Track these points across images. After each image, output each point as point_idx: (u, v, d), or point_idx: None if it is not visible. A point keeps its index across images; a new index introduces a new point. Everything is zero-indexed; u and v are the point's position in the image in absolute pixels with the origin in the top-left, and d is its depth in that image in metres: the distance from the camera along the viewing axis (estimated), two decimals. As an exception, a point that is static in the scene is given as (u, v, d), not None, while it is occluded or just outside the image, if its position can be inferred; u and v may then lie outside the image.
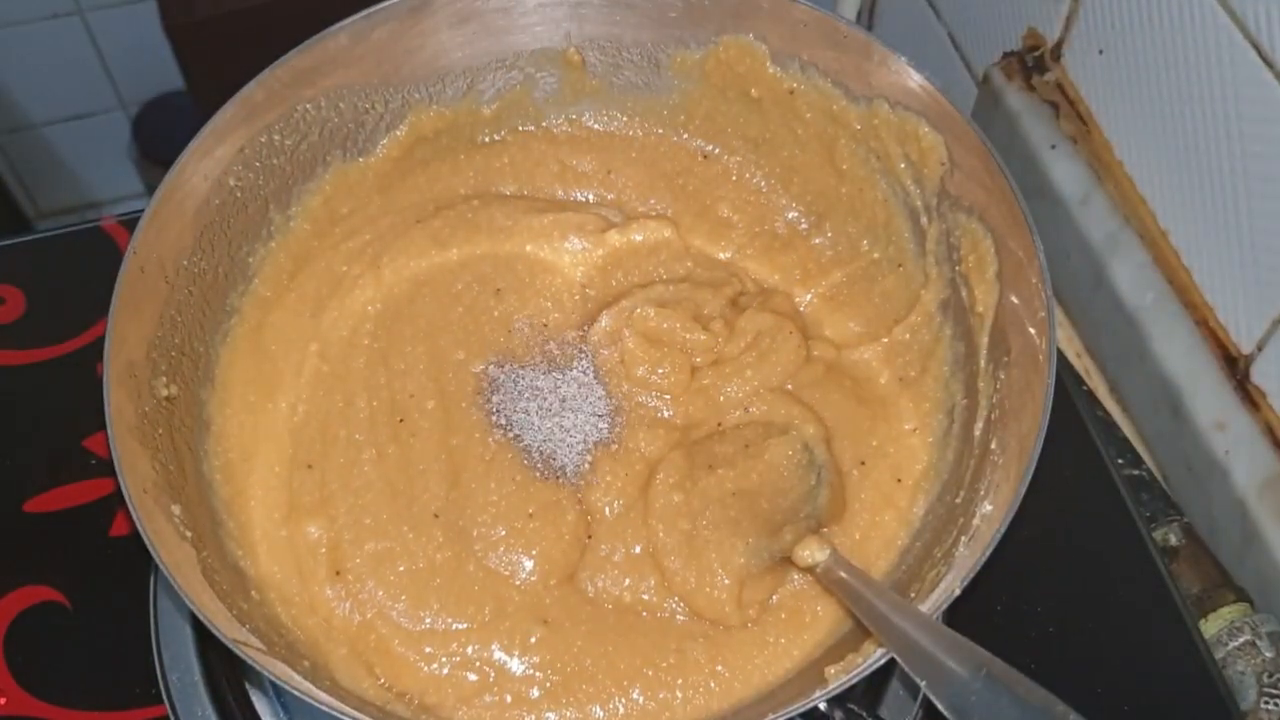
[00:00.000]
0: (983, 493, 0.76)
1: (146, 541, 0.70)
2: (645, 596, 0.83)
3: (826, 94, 0.90)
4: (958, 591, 0.69)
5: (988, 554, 0.69)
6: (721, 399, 0.90)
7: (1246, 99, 0.95)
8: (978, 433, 0.81)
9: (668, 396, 0.90)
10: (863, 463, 0.88)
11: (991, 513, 0.73)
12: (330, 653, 0.80)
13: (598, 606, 0.83)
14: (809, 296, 0.96)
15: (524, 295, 0.95)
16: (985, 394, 0.81)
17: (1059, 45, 1.18)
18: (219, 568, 0.76)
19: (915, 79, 0.84)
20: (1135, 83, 1.07)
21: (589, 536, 0.85)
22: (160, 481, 0.76)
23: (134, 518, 0.70)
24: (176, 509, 0.76)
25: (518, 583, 0.83)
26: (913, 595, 0.75)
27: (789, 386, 0.90)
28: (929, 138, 0.85)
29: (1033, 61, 1.21)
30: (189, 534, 0.75)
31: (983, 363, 0.82)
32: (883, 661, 0.70)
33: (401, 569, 0.83)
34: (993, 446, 0.78)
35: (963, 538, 0.74)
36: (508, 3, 0.92)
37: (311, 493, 0.86)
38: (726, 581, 0.80)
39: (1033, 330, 0.77)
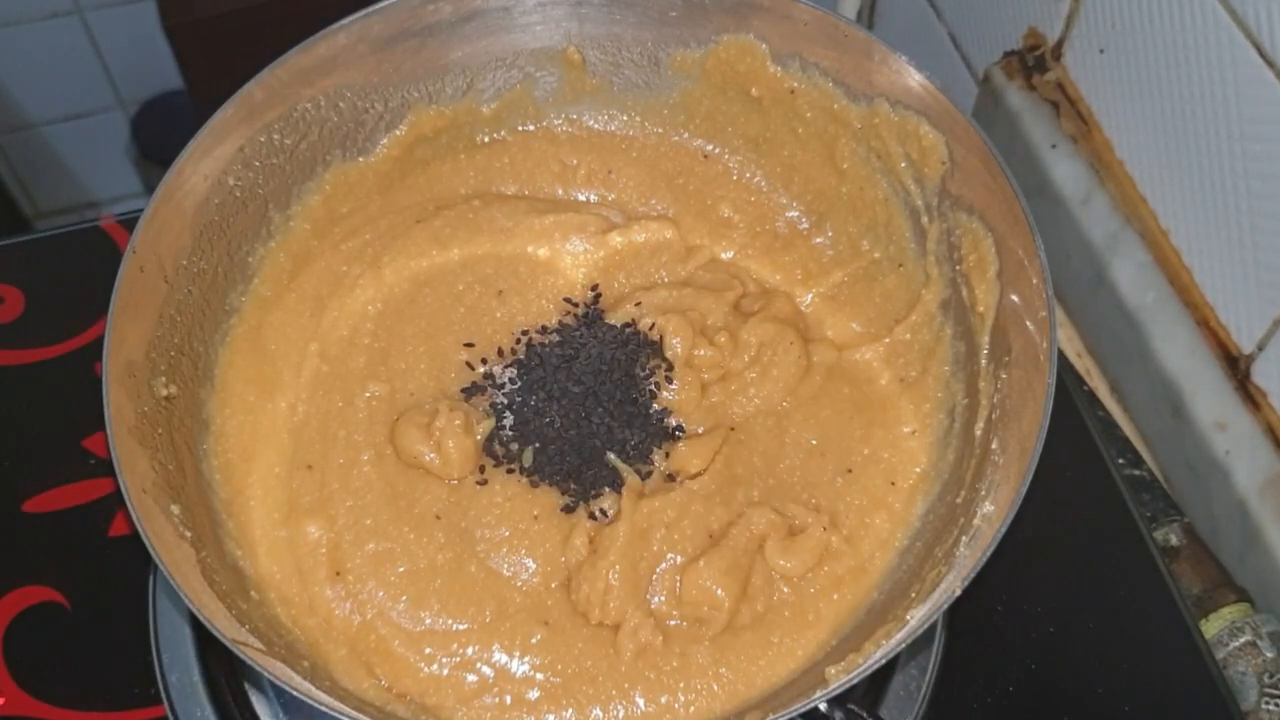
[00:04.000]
0: (983, 493, 0.76)
1: (146, 542, 0.70)
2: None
3: (827, 93, 0.90)
4: (958, 591, 0.69)
5: (989, 554, 0.69)
6: (727, 416, 0.90)
7: (1247, 98, 0.95)
8: (978, 433, 0.81)
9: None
10: (849, 470, 0.88)
11: (992, 512, 0.73)
12: (330, 653, 0.80)
13: None
14: (810, 296, 0.96)
15: (526, 297, 0.95)
16: (986, 394, 0.81)
17: (1060, 44, 1.18)
18: (218, 568, 0.76)
19: (916, 78, 0.84)
20: (1136, 82, 1.07)
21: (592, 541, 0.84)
22: (160, 481, 0.75)
23: (133, 518, 0.70)
24: (176, 509, 0.75)
25: (519, 584, 0.83)
26: (913, 595, 0.75)
27: (785, 404, 0.90)
28: (929, 137, 0.85)
29: (1033, 61, 1.21)
30: (188, 534, 0.75)
31: (983, 362, 0.82)
32: (884, 661, 0.70)
33: (402, 569, 0.83)
34: (993, 446, 0.78)
35: (963, 538, 0.74)
36: (508, 1, 0.92)
37: (311, 493, 0.86)
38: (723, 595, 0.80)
39: (1033, 329, 0.76)
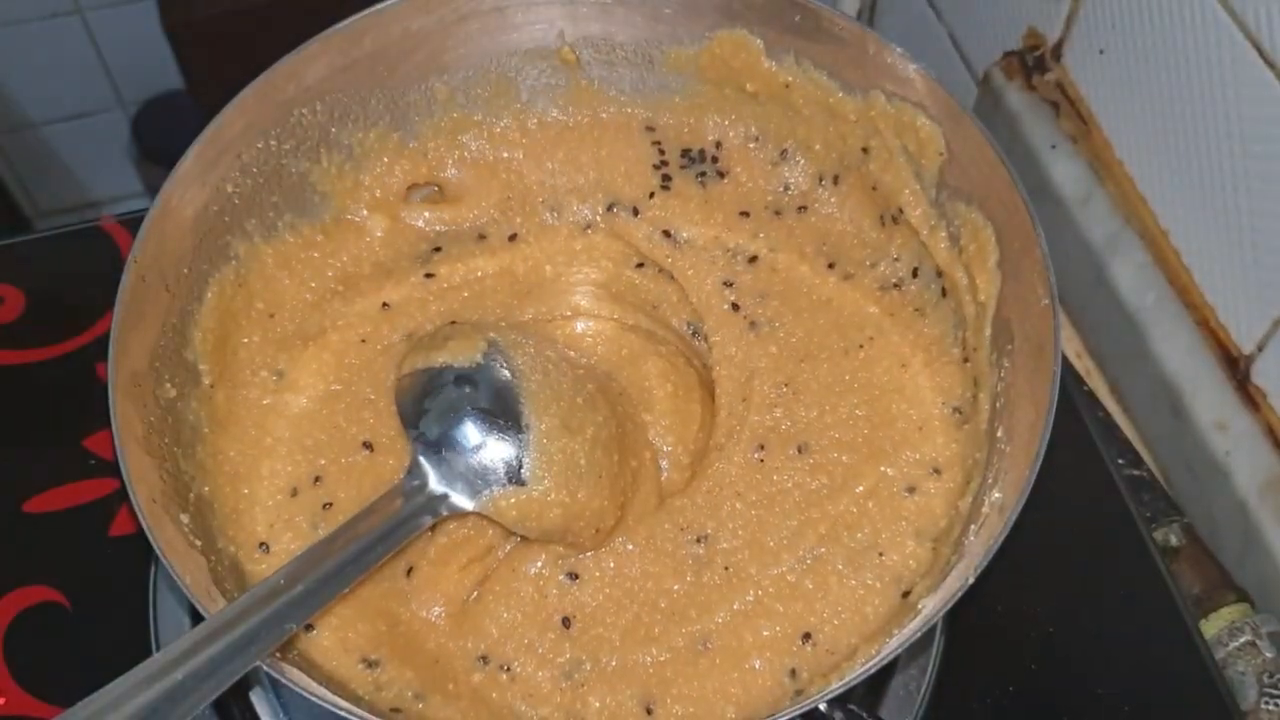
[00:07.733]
0: (991, 480, 0.76)
1: (158, 551, 0.69)
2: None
3: (823, 87, 0.89)
4: (971, 580, 0.69)
5: (1000, 541, 0.68)
6: None
7: (1247, 99, 0.95)
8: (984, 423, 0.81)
9: None
10: None
11: (1001, 500, 0.73)
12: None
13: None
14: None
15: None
16: (990, 384, 0.81)
17: (1059, 45, 1.18)
18: (227, 575, 0.76)
19: (911, 70, 0.84)
20: (1136, 82, 1.07)
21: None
22: (168, 491, 0.75)
23: (144, 528, 0.70)
24: (185, 518, 0.75)
25: None
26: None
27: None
28: (926, 128, 0.84)
29: (1033, 61, 1.21)
30: (198, 543, 0.75)
31: (986, 352, 0.82)
32: (885, 662, 0.69)
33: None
34: (999, 435, 0.78)
35: (972, 526, 0.74)
36: (503, 2, 0.92)
37: (317, 505, 0.85)
38: None
39: (1036, 317, 0.76)
